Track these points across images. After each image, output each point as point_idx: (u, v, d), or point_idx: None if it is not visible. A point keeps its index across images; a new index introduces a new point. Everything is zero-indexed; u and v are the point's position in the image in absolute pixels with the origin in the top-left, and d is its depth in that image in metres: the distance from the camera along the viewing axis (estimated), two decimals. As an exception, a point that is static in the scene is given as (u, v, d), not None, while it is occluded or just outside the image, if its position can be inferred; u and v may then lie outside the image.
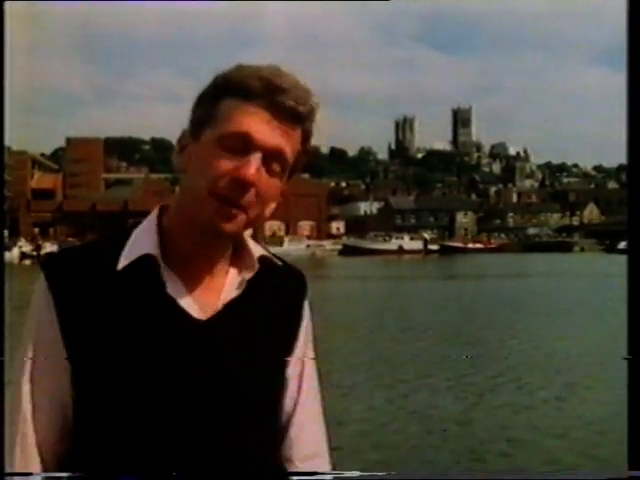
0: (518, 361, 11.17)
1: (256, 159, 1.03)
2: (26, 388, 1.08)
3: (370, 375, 9.98)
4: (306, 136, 1.09)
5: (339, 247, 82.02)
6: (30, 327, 1.09)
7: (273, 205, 1.10)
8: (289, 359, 1.17)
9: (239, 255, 1.14)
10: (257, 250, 1.15)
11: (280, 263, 1.18)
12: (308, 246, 77.90)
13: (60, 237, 75.62)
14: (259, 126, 1.03)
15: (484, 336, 14.32)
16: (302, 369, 1.21)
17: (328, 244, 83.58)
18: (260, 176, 1.03)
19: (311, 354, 1.23)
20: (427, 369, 10.48)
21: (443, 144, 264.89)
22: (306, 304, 1.22)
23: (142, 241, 1.10)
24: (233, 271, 1.13)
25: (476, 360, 11.19)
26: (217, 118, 1.05)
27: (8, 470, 1.07)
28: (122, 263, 1.08)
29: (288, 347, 1.17)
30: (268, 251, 1.18)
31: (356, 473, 1.21)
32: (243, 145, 1.03)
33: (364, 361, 11.06)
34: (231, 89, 1.05)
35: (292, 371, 1.19)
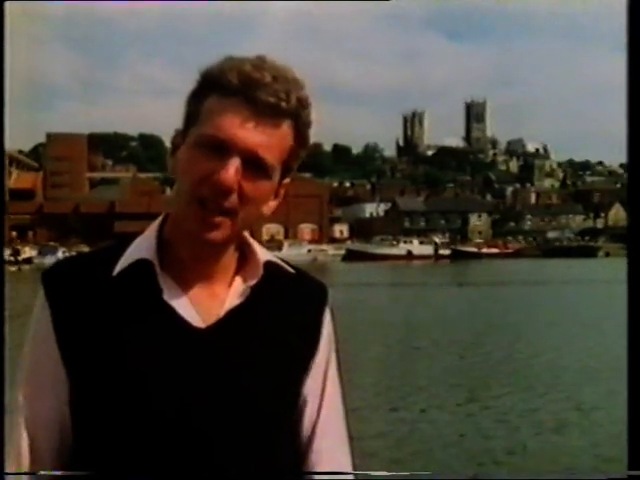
0: (541, 377, 11.12)
1: (234, 162, 1.04)
2: (22, 401, 1.12)
3: (376, 399, 9.80)
4: (299, 131, 1.09)
5: (342, 252, 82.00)
6: (29, 341, 1.13)
7: (272, 204, 1.12)
8: (305, 376, 1.17)
9: (245, 261, 1.16)
10: (264, 256, 1.16)
11: (292, 270, 1.19)
12: (309, 251, 77.88)
13: (40, 241, 75.72)
14: (236, 126, 1.04)
15: (500, 349, 14.30)
16: (322, 388, 1.19)
17: (331, 249, 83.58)
18: (242, 179, 1.05)
19: (333, 372, 1.21)
20: (441, 387, 10.41)
21: (455, 140, 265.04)
22: (326, 317, 1.21)
23: (140, 246, 1.13)
24: (238, 278, 1.15)
25: (494, 377, 11.13)
26: (200, 117, 1.07)
27: (8, 470, 1.11)
28: (117, 269, 1.11)
29: (303, 362, 1.16)
30: (279, 257, 1.20)
31: (383, 473, 1.24)
32: (221, 147, 1.04)
33: (370, 381, 10.94)
34: (212, 85, 1.07)
35: (310, 389, 1.18)
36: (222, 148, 1.04)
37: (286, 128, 1.07)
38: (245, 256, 1.16)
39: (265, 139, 1.05)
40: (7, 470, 1.11)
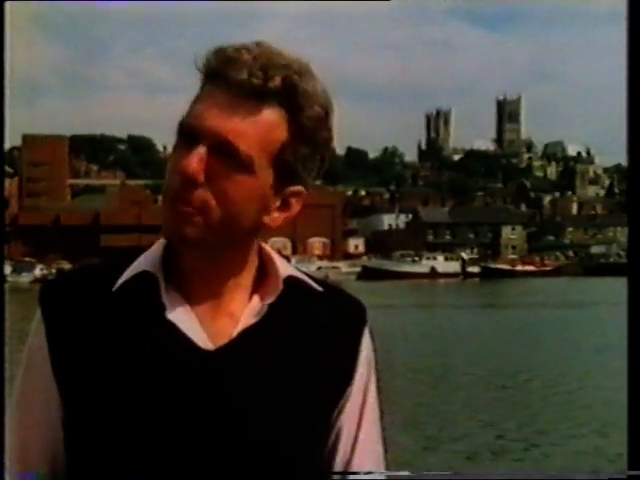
0: (598, 414, 10.98)
1: (198, 150, 1.04)
2: (12, 428, 1.16)
3: (398, 439, 9.42)
4: (297, 122, 1.07)
5: (358, 269, 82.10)
6: (23, 360, 1.16)
7: (277, 215, 1.11)
8: (336, 410, 1.15)
9: (263, 276, 1.15)
10: (285, 270, 1.16)
11: (318, 287, 1.18)
12: (320, 268, 77.86)
13: (15, 257, 75.85)
14: (206, 110, 1.05)
15: (542, 380, 14.21)
16: (358, 425, 1.17)
17: (344, 266, 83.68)
18: (212, 170, 1.05)
19: (373, 406, 1.19)
20: (484, 431, 10.20)
21: (485, 143, 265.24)
22: (365, 339, 1.19)
23: (145, 259, 1.14)
24: (255, 295, 1.14)
25: (546, 414, 10.97)
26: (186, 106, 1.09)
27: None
28: (117, 283, 1.12)
29: (334, 393, 1.15)
30: (304, 272, 1.19)
31: (406, 474, 1.23)
32: (191, 135, 1.05)
33: (388, 420, 10.83)
34: (202, 72, 1.09)
35: (342, 426, 1.16)
36: (191, 136, 1.05)
37: (271, 115, 1.06)
38: (264, 270, 1.16)
39: (239, 124, 1.04)
40: (7, 470, 1.14)
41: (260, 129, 1.05)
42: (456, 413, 11.33)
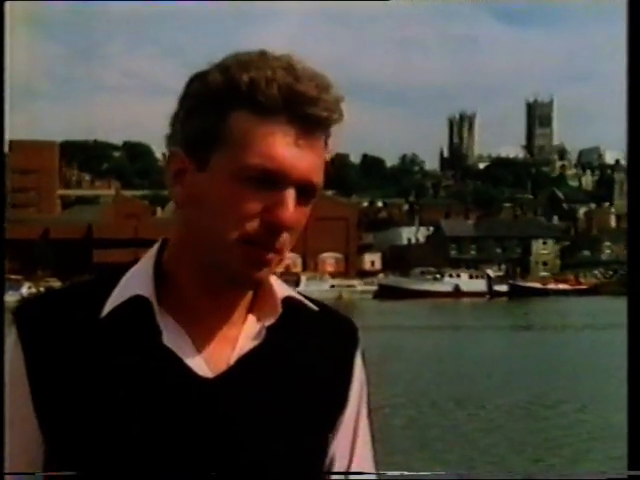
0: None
1: (290, 196, 1.09)
2: None
3: (415, 469, 9.59)
4: (327, 138, 1.15)
5: (374, 288, 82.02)
6: (3, 387, 1.16)
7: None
8: (333, 432, 1.21)
9: (260, 297, 1.19)
10: (282, 291, 1.20)
11: (315, 308, 1.23)
12: (333, 286, 77.94)
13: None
14: (288, 152, 1.09)
15: (580, 409, 14.10)
16: (352, 446, 1.25)
17: (359, 284, 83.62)
18: (296, 214, 1.10)
19: (364, 426, 1.26)
20: (507, 465, 10.16)
21: (513, 149, 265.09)
22: (357, 361, 1.26)
23: (134, 281, 1.15)
24: (252, 317, 1.18)
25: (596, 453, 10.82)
26: (229, 140, 1.09)
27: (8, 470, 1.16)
28: (107, 308, 1.13)
29: (330, 416, 1.21)
30: (301, 293, 1.24)
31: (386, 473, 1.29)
32: (271, 178, 1.09)
33: (407, 446, 10.86)
34: (239, 99, 1.09)
35: (337, 448, 1.23)
36: (273, 178, 1.08)
37: (323, 140, 1.14)
38: (260, 291, 1.19)
39: (314, 160, 1.11)
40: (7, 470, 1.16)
41: (321, 157, 1.14)
42: (488, 448, 11.24)
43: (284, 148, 1.09)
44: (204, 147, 1.11)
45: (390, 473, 1.28)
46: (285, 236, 1.11)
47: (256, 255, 1.10)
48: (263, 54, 1.12)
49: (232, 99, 1.10)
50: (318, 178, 1.12)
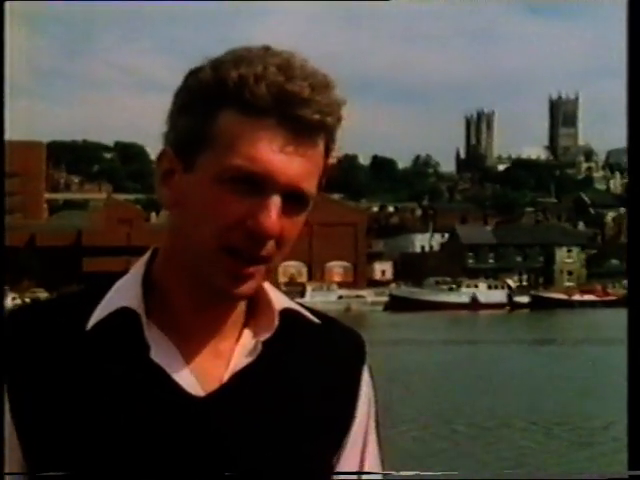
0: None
1: (275, 202, 1.08)
2: None
3: None
4: (329, 142, 1.14)
5: (385, 299, 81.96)
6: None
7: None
8: (337, 454, 1.21)
9: (255, 310, 1.19)
10: (280, 302, 1.19)
11: (316, 320, 1.23)
12: (340, 297, 77.92)
13: (-17, 284, 76.22)
14: (274, 156, 1.08)
15: (610, 430, 14.05)
16: (360, 469, 1.24)
17: (369, 294, 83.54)
18: (281, 222, 1.09)
19: (373, 448, 1.26)
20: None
21: (536, 150, 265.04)
22: (365, 376, 1.25)
23: (121, 292, 1.15)
24: (247, 331, 1.18)
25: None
26: (215, 140, 1.09)
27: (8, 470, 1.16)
28: (92, 321, 1.13)
29: (334, 437, 1.21)
30: (301, 304, 1.24)
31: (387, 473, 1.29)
32: (255, 182, 1.08)
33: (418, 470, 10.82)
34: (228, 97, 1.09)
35: (344, 470, 1.22)
36: (257, 183, 1.08)
37: (321, 144, 1.13)
38: (256, 303, 1.19)
39: (305, 166, 1.10)
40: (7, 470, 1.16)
41: (317, 163, 1.13)
42: (515, 467, 11.19)
43: (270, 151, 1.08)
44: (191, 146, 1.11)
45: (390, 473, 1.27)
46: (270, 246, 1.09)
47: (236, 267, 1.09)
48: (264, 50, 1.11)
49: (221, 97, 1.09)
50: (309, 185, 1.11)
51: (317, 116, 1.09)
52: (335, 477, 1.23)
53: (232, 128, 1.09)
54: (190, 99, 1.12)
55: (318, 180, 1.14)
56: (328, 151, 1.14)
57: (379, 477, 1.29)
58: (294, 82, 1.08)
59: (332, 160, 1.16)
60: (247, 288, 1.11)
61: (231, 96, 1.09)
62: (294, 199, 1.10)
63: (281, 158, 1.08)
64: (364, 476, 1.25)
